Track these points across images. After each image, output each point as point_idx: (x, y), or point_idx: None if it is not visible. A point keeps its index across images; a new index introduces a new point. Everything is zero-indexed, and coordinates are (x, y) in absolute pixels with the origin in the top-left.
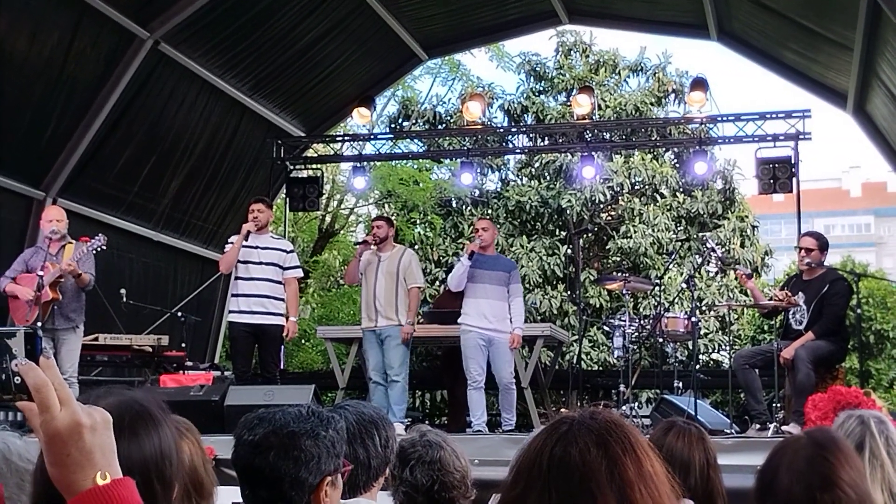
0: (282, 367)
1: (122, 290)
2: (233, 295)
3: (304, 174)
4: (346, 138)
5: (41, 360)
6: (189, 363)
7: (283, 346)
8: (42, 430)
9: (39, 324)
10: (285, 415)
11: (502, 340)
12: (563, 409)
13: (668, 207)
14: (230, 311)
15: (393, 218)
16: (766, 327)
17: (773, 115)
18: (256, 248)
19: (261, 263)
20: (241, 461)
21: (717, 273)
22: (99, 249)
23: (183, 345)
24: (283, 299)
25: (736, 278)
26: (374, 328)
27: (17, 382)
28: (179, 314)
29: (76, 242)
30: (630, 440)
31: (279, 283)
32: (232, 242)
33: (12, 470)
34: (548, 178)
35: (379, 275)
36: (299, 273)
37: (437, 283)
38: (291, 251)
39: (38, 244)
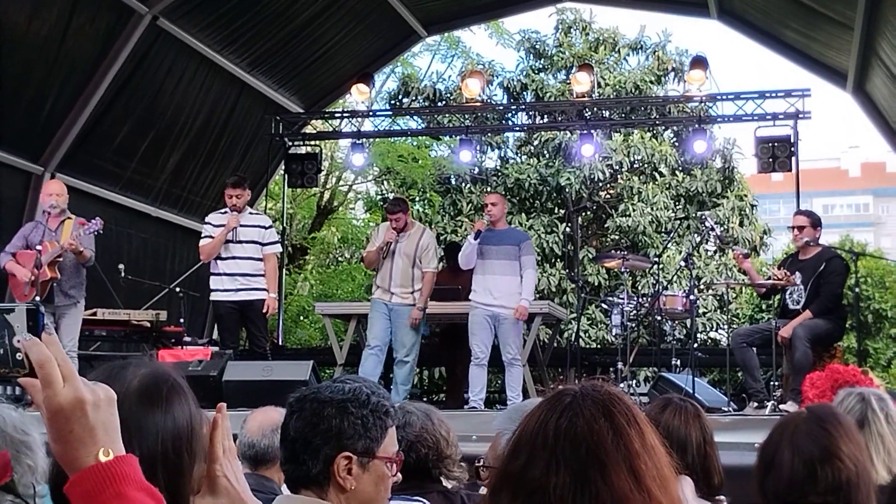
0: (280, 342)
1: (121, 266)
2: (213, 274)
3: (303, 150)
4: (344, 115)
5: (43, 335)
6: (187, 338)
7: (279, 322)
8: (45, 406)
9: (38, 298)
10: (328, 386)
11: (509, 316)
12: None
13: (667, 186)
14: (213, 290)
15: (384, 197)
16: (763, 306)
17: (773, 94)
18: (236, 226)
19: (241, 242)
20: (286, 419)
21: (715, 252)
22: (96, 232)
23: (181, 320)
24: (263, 275)
25: (733, 258)
26: (387, 302)
27: (17, 358)
28: (178, 290)
29: (73, 220)
30: (633, 412)
31: (259, 259)
32: (211, 223)
33: (8, 441)
34: (547, 155)
35: (396, 255)
36: (278, 249)
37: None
38: (270, 227)
39: (37, 219)
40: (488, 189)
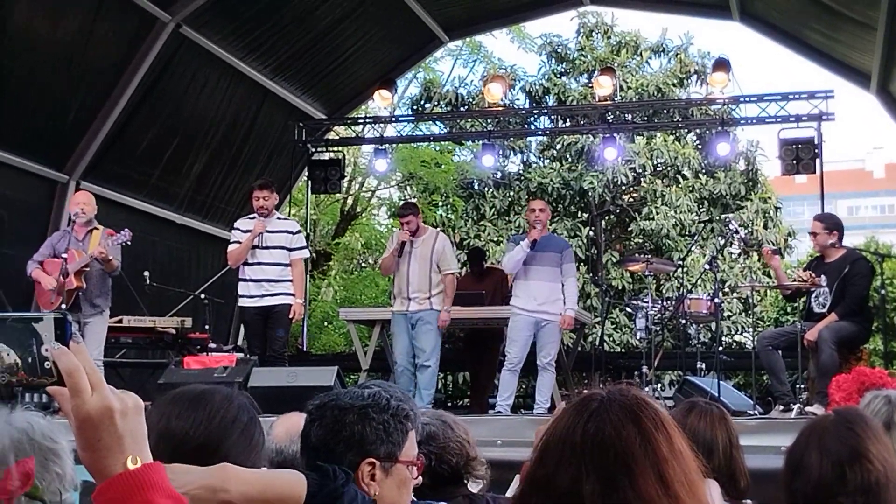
0: (304, 348)
1: (146, 273)
2: (241, 279)
3: (326, 157)
4: (367, 120)
5: (71, 344)
6: (212, 345)
7: (304, 328)
8: (73, 415)
9: (64, 307)
10: (347, 392)
11: (551, 322)
12: (585, 391)
13: (691, 189)
14: (241, 296)
15: (415, 200)
16: (789, 309)
17: (796, 96)
18: (263, 231)
19: (268, 248)
20: (305, 428)
21: (739, 254)
22: (124, 244)
23: (206, 327)
24: (290, 280)
25: (760, 256)
26: (406, 311)
27: (45, 367)
28: (202, 296)
29: (101, 231)
30: (660, 417)
31: (286, 265)
32: (239, 229)
33: (35, 449)
34: (570, 159)
35: (412, 260)
36: (306, 254)
37: (459, 265)
38: (298, 232)
39: (64, 228)
40: (511, 194)
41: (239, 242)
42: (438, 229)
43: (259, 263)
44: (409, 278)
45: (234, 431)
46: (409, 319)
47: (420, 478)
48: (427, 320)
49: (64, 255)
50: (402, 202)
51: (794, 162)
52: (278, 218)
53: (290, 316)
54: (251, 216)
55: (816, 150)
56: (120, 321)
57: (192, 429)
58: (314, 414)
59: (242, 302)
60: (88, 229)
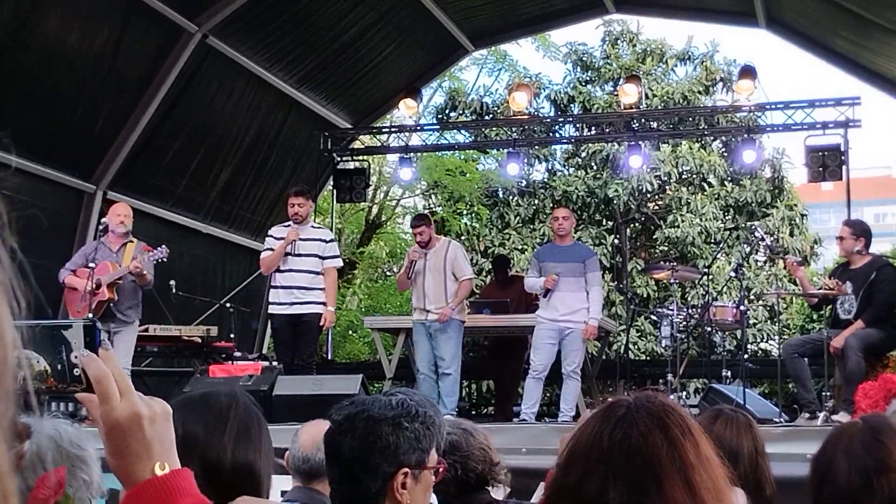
0: (329, 357)
1: (172, 282)
2: (272, 286)
3: (351, 166)
4: (392, 129)
5: (100, 351)
6: (238, 353)
7: (328, 335)
8: (102, 421)
9: (91, 315)
10: (374, 401)
11: (574, 330)
12: (611, 399)
13: (716, 196)
14: (271, 303)
15: (431, 211)
16: (815, 316)
17: (823, 103)
18: (296, 239)
19: (300, 255)
20: (327, 439)
21: (765, 262)
22: (160, 260)
23: (232, 335)
24: (322, 289)
25: (785, 266)
26: (424, 321)
27: (74, 374)
28: (228, 305)
29: (136, 244)
30: (687, 423)
31: (318, 273)
32: (273, 236)
33: (63, 456)
34: (595, 167)
35: (426, 272)
36: (339, 263)
37: (484, 273)
38: (332, 240)
39: (100, 239)
40: (535, 202)
41: (272, 250)
42: (450, 239)
43: (291, 270)
44: (426, 290)
45: (233, 429)
46: (428, 328)
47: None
48: (445, 329)
49: (91, 265)
50: (428, 212)
51: (821, 169)
52: (312, 226)
53: (321, 324)
54: (286, 223)
55: (843, 157)
56: (146, 330)
57: (197, 430)
58: (344, 425)
59: (273, 309)
60: (123, 242)
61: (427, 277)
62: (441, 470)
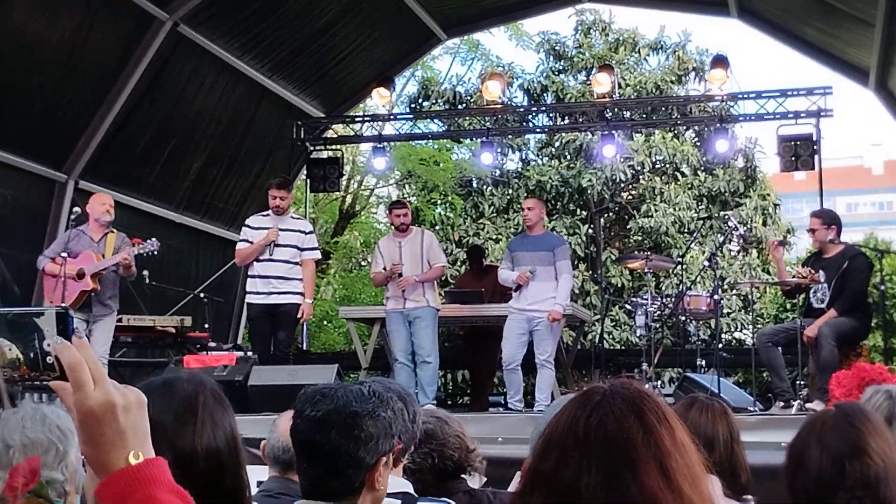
0: (304, 347)
1: (145, 272)
2: (249, 276)
3: (325, 155)
4: (365, 119)
5: (74, 339)
6: (212, 344)
7: (304, 327)
8: (76, 409)
9: (64, 304)
10: (347, 393)
11: (542, 320)
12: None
13: (690, 186)
14: (248, 293)
15: (412, 199)
16: (788, 306)
17: (795, 93)
18: (275, 240)
19: (280, 246)
20: (302, 435)
21: (739, 252)
22: (150, 253)
23: (206, 325)
24: (299, 279)
25: (759, 253)
26: (402, 309)
27: (48, 361)
28: (202, 295)
29: (117, 234)
30: (663, 410)
31: (296, 264)
32: (250, 226)
33: (52, 439)
34: (568, 157)
35: (403, 260)
36: (317, 255)
37: (458, 263)
38: (310, 232)
39: (78, 227)
40: (510, 192)
41: (248, 241)
42: (423, 227)
43: (269, 260)
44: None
45: (204, 416)
46: (406, 317)
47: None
48: (424, 317)
49: (64, 254)
50: (390, 203)
51: (793, 158)
52: (292, 216)
53: (298, 316)
54: (265, 213)
55: (815, 147)
56: (120, 320)
57: (165, 418)
58: (325, 421)
59: (250, 298)
60: (105, 232)
61: (404, 267)
62: (396, 450)
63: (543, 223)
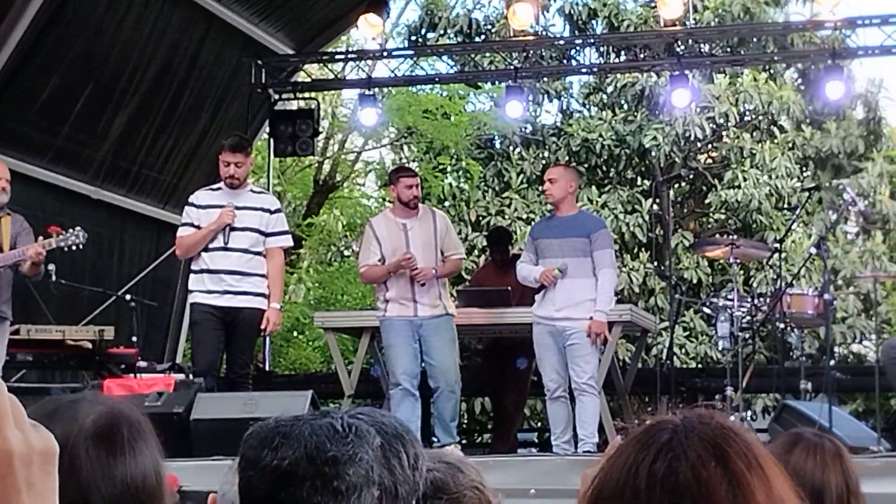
0: (266, 367)
1: (51, 267)
2: (193, 271)
3: (294, 106)
4: (350, 56)
5: None
6: (142, 363)
7: (266, 340)
8: None
9: None
10: (316, 430)
11: (576, 331)
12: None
13: (791, 146)
14: (191, 291)
15: (413, 165)
16: None
17: None
18: (231, 223)
19: (235, 230)
20: (260, 492)
21: (857, 234)
22: (74, 247)
23: (134, 338)
24: (262, 275)
25: (886, 237)
26: (411, 317)
27: None
28: (128, 297)
29: (13, 217)
30: (755, 453)
31: (259, 254)
32: (195, 205)
33: None
34: (625, 107)
35: (412, 248)
36: (287, 241)
37: (476, 251)
38: (277, 211)
39: None
40: (545, 155)
41: (193, 226)
42: (431, 206)
43: (222, 249)
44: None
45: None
46: (416, 328)
47: None
48: (443, 330)
49: None
50: (393, 168)
51: None
52: (252, 191)
53: (262, 326)
54: (215, 187)
55: None
56: (17, 331)
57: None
58: (296, 470)
59: (195, 297)
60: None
61: (414, 257)
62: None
63: (575, 199)
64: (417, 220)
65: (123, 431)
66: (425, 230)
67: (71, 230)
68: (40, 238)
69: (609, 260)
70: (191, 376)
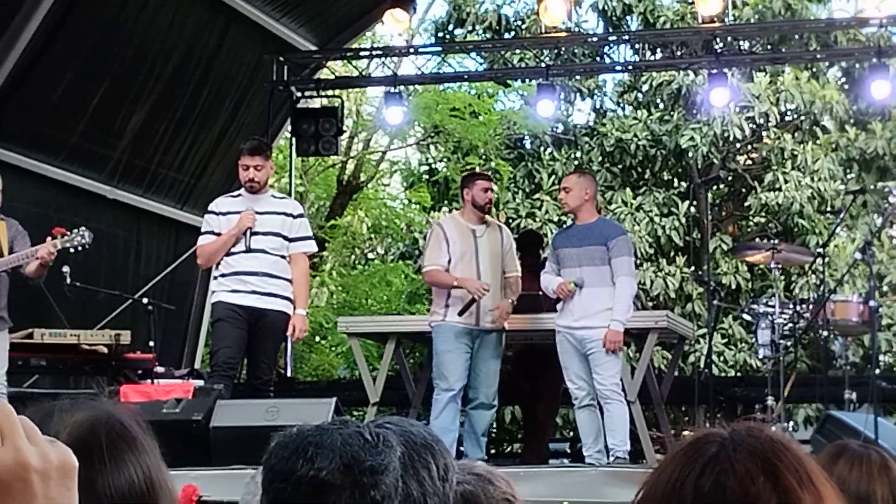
0: (288, 373)
1: (66, 269)
2: (217, 276)
3: (317, 104)
4: (375, 53)
5: None
6: (160, 369)
7: (288, 346)
8: None
9: None
10: (346, 439)
11: (595, 340)
12: (686, 432)
13: (834, 147)
14: (215, 291)
15: (431, 169)
16: None
17: None
18: (251, 226)
19: (258, 234)
20: (301, 497)
21: None
22: (78, 249)
23: (151, 343)
24: (288, 279)
25: None
26: (474, 326)
27: None
28: (145, 301)
29: (7, 222)
30: (807, 468)
31: (283, 257)
32: (215, 212)
33: None
34: (661, 106)
35: (481, 257)
36: (311, 246)
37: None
38: (300, 216)
39: None
40: (577, 155)
41: (214, 234)
42: (496, 220)
43: (246, 252)
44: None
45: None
46: (474, 337)
47: None
48: (497, 343)
49: None
50: (427, 169)
51: None
52: (273, 195)
53: (289, 333)
54: (235, 193)
55: None
56: (30, 335)
57: None
58: (334, 480)
59: (218, 297)
60: None
61: (482, 266)
62: None
63: (594, 207)
64: (487, 230)
65: (101, 441)
66: (494, 242)
67: (76, 230)
68: (48, 238)
69: (627, 268)
70: (210, 382)
